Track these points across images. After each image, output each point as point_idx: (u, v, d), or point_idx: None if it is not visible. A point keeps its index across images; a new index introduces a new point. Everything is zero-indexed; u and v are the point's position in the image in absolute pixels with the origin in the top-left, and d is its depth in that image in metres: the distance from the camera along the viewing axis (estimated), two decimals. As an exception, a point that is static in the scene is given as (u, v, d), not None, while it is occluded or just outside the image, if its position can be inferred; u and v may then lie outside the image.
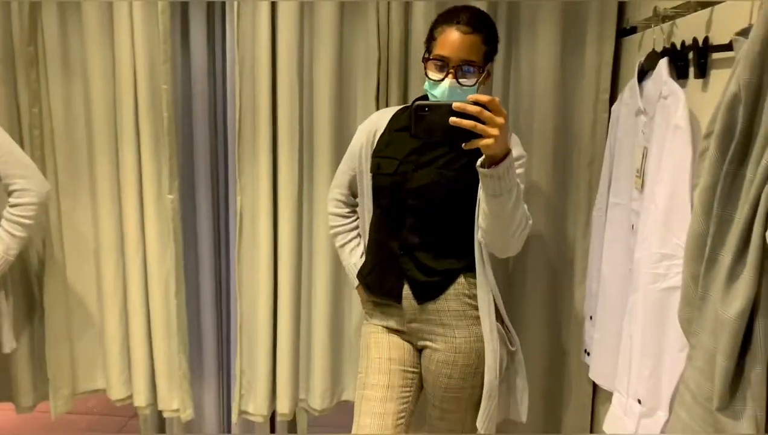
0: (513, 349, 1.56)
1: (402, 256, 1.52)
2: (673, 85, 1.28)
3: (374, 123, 1.63)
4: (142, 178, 2.02)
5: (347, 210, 1.72)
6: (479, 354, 1.49)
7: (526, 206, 1.40)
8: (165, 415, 2.18)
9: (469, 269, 1.49)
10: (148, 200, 2.02)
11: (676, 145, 1.22)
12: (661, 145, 1.31)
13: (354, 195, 1.71)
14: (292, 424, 2.25)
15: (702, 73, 1.23)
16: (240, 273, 2.06)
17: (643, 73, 1.49)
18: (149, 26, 1.91)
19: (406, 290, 1.52)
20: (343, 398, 2.19)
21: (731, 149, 0.90)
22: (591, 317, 1.78)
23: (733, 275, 0.88)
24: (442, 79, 1.40)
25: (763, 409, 0.86)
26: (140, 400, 2.15)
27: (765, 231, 0.85)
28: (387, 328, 1.60)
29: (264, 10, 1.89)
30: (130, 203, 2.03)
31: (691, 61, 1.29)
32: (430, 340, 1.53)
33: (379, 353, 1.58)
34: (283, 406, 2.11)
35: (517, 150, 1.42)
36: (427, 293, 1.51)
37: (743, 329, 0.86)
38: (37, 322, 2.13)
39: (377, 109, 1.92)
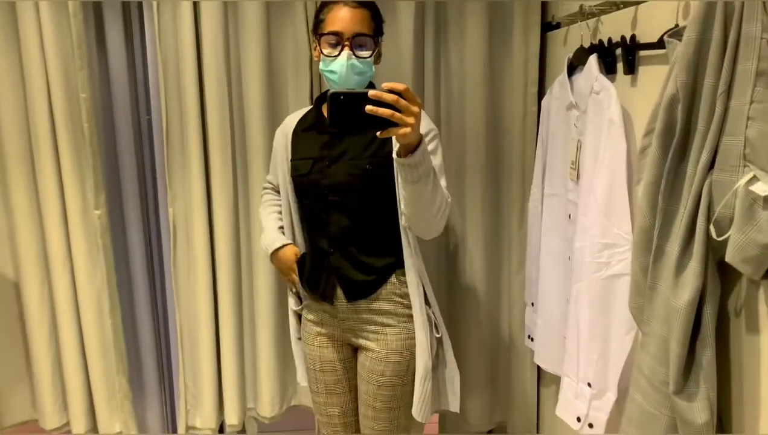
0: (438, 335, 1.57)
1: (332, 255, 1.53)
2: (605, 81, 1.34)
3: (287, 126, 1.64)
4: (64, 194, 1.90)
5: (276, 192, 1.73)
6: (411, 351, 1.51)
7: (444, 183, 1.43)
8: (105, 439, 2.08)
9: (400, 265, 1.51)
10: (72, 217, 1.90)
11: (611, 139, 1.28)
12: (595, 138, 1.37)
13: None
14: (242, 434, 2.21)
15: (631, 69, 1.29)
16: (177, 285, 1.99)
17: (572, 68, 1.55)
18: (60, 30, 1.79)
19: (339, 290, 1.53)
20: (293, 404, 2.16)
21: (672, 147, 0.95)
22: (532, 304, 1.84)
23: (680, 266, 0.94)
24: (338, 54, 1.42)
25: (714, 390, 0.92)
26: (78, 426, 2.04)
27: (707, 224, 0.91)
28: (320, 333, 1.61)
29: (186, 8, 1.81)
30: (53, 221, 1.91)
31: (618, 57, 1.34)
32: (364, 339, 1.55)
33: (313, 366, 1.64)
34: (232, 418, 2.07)
35: (425, 124, 1.44)
36: (359, 292, 1.52)
37: (693, 316, 0.92)
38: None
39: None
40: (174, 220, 1.95)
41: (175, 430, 2.19)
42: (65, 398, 2.05)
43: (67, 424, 2.07)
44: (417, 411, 1.50)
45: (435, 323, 1.55)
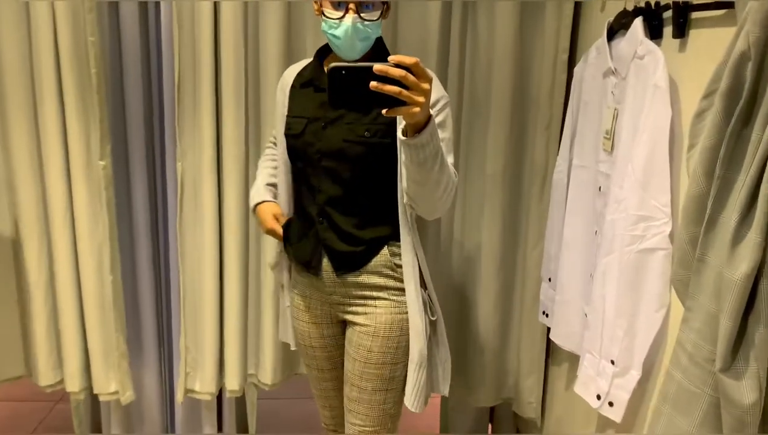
0: (434, 318, 1.46)
1: (320, 224, 1.42)
2: (651, 44, 1.26)
3: (285, 80, 1.52)
4: (68, 143, 1.82)
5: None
6: (401, 326, 1.42)
7: (450, 160, 1.33)
8: (101, 398, 2.03)
9: (394, 237, 1.41)
10: (75, 167, 1.82)
11: (656, 105, 1.21)
12: (636, 105, 1.30)
13: None
14: (240, 399, 2.16)
15: (681, 32, 1.22)
16: (182, 244, 1.92)
17: (612, 33, 1.47)
18: (70, -30, 1.70)
19: (325, 262, 1.43)
20: (297, 371, 2.12)
21: (737, 109, 0.88)
22: (550, 279, 1.79)
23: (738, 237, 0.87)
24: (343, 17, 1.30)
25: (765, 369, 0.87)
26: (73, 384, 1.99)
27: (771, 192, 0.84)
28: (308, 307, 1.54)
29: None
30: (55, 171, 1.83)
31: (666, 21, 1.27)
32: (352, 313, 1.46)
33: (303, 341, 1.58)
34: (233, 383, 2.02)
35: (436, 91, 1.30)
36: (347, 264, 1.42)
37: (749, 290, 0.86)
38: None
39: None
40: (182, 175, 1.87)
41: (172, 393, 2.14)
42: (60, 355, 1.99)
43: (61, 381, 2.02)
44: (410, 401, 1.42)
45: (430, 306, 1.45)
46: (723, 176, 0.91)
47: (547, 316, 1.81)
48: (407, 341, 1.42)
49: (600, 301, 1.36)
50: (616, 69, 1.40)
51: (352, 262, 1.42)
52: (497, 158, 1.88)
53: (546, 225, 1.84)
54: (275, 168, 1.58)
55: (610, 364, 1.32)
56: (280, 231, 1.50)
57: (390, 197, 1.39)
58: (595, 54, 1.53)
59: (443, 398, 2.18)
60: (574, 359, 1.71)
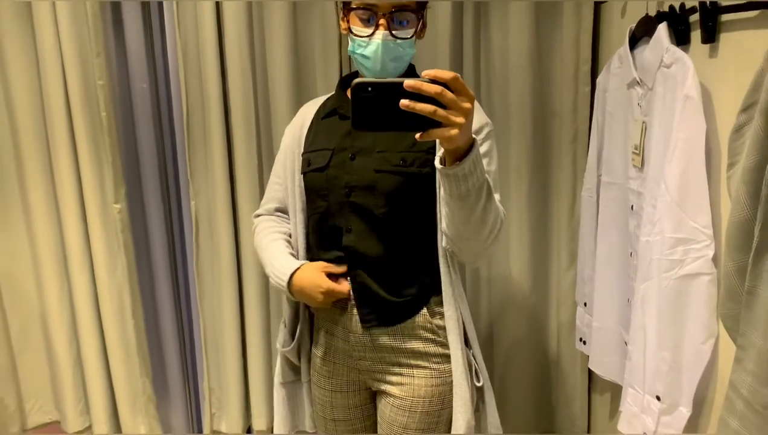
0: (479, 384, 1.27)
1: (348, 273, 1.23)
2: (678, 51, 1.16)
3: (301, 117, 1.35)
4: (82, 187, 1.80)
5: (275, 216, 1.40)
6: (443, 398, 1.24)
7: (498, 197, 1.14)
8: (130, 442, 1.99)
9: (435, 291, 1.24)
10: (91, 211, 1.81)
11: (687, 118, 1.11)
12: (665, 118, 1.20)
13: (285, 212, 1.38)
14: (270, 437, 2.11)
15: (710, 37, 1.12)
16: (200, 283, 1.88)
17: (634, 41, 1.38)
18: (76, 14, 1.69)
19: (354, 319, 1.25)
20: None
21: (781, 123, 0.79)
22: (585, 304, 1.68)
23: (792, 267, 0.77)
24: (372, 34, 1.16)
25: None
26: (101, 429, 1.96)
27: (828, 215, 0.74)
28: (331, 373, 1.32)
29: (206, -13, 1.69)
30: (71, 216, 1.81)
31: (693, 25, 1.17)
32: (385, 383, 1.27)
33: (323, 413, 1.37)
34: (260, 423, 1.96)
35: (478, 117, 1.16)
36: (380, 317, 1.23)
37: (809, 329, 0.75)
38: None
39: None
40: (197, 214, 1.84)
41: (200, 434, 2.09)
42: (87, 400, 1.96)
43: (90, 427, 1.99)
44: None
45: (476, 369, 1.27)
46: (770, 198, 0.81)
47: (584, 343, 1.70)
48: (449, 414, 1.24)
49: (640, 331, 1.25)
50: (641, 79, 1.30)
51: (385, 315, 1.23)
52: (521, 176, 1.79)
53: (578, 246, 1.73)
54: (283, 233, 1.35)
55: (656, 400, 1.21)
56: (343, 286, 1.24)
57: (430, 240, 1.21)
58: (618, 63, 1.43)
59: None
60: (616, 388, 1.60)
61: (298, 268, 1.24)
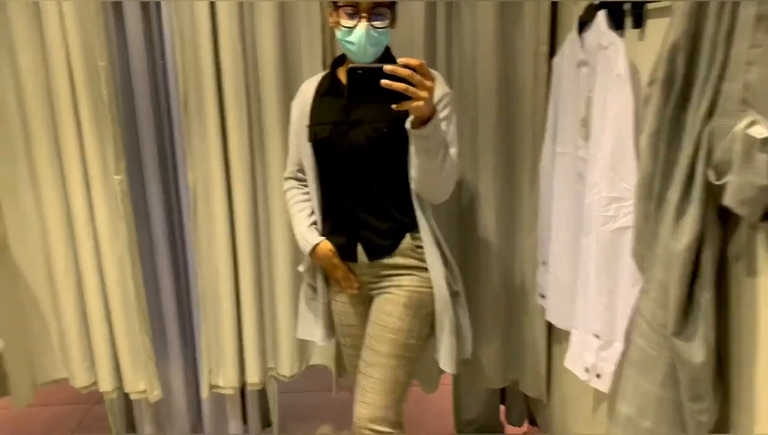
0: (456, 288, 1.64)
1: (352, 216, 1.59)
2: (612, 35, 1.34)
3: (303, 94, 1.67)
4: (86, 161, 1.95)
5: (301, 182, 1.74)
6: (422, 299, 1.57)
7: (453, 151, 1.50)
8: (132, 397, 2.17)
9: (413, 226, 1.58)
10: (94, 182, 1.96)
11: (619, 93, 1.29)
12: (603, 94, 1.38)
13: (304, 171, 1.71)
14: (262, 393, 2.29)
15: (638, 23, 1.30)
16: (197, 248, 2.05)
17: (582, 26, 1.55)
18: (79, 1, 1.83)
19: (360, 250, 1.59)
20: (311, 363, 2.23)
21: (673, 95, 0.97)
22: (544, 263, 1.87)
23: (680, 212, 0.96)
24: (356, 25, 1.46)
25: (712, 331, 0.95)
26: (105, 385, 2.13)
27: (706, 169, 0.93)
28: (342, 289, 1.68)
29: (200, -26, 1.83)
30: (76, 187, 1.97)
31: (627, 12, 1.35)
32: (380, 288, 1.62)
33: (339, 321, 1.73)
34: (253, 376, 2.14)
35: (440, 88, 1.49)
36: (378, 252, 1.59)
37: (692, 260, 0.94)
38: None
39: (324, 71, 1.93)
40: (194, 184, 2.00)
41: (197, 390, 2.27)
42: (92, 358, 2.13)
43: (95, 383, 2.16)
44: (447, 363, 1.59)
45: (453, 278, 1.63)
46: (666, 157, 0.99)
47: (543, 297, 1.90)
48: (426, 314, 1.59)
49: (584, 278, 1.44)
50: (586, 60, 1.48)
51: (382, 248, 1.58)
52: (487, 150, 1.97)
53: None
54: (306, 202, 1.70)
55: (595, 338, 1.41)
56: (342, 271, 1.63)
57: (405, 188, 1.55)
58: (569, 46, 1.61)
59: (455, 380, 2.27)
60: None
61: (318, 244, 1.63)
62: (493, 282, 2.07)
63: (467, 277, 2.08)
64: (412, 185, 1.53)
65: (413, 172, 1.48)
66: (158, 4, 1.98)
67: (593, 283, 1.40)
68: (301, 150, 1.66)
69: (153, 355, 2.12)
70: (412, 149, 1.42)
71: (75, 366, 2.13)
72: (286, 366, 2.16)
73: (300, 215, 1.70)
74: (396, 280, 1.59)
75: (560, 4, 1.88)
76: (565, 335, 1.92)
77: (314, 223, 1.68)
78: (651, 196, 1.03)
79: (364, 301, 1.67)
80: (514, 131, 1.99)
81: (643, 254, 1.08)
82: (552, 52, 1.88)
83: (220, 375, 2.16)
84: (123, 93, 2.01)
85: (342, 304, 1.71)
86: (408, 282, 1.58)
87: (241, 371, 2.16)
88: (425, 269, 1.58)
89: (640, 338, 1.06)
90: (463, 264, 2.08)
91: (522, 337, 2.12)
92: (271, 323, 2.15)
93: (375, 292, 1.64)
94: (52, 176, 1.99)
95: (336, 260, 1.62)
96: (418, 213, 1.57)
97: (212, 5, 1.87)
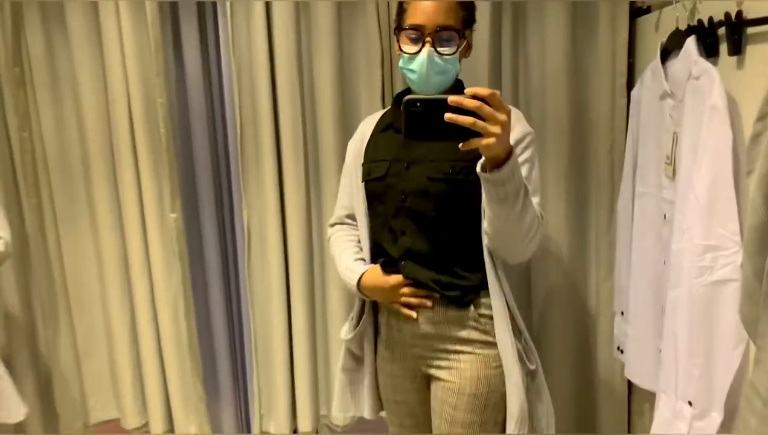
0: (532, 367, 1.38)
1: (403, 269, 1.36)
2: (705, 63, 1.20)
3: (361, 132, 1.51)
4: (142, 198, 1.93)
5: (350, 226, 1.56)
6: (489, 382, 1.33)
7: (536, 201, 1.27)
8: (183, 441, 2.10)
9: (481, 289, 1.35)
10: (150, 220, 1.94)
11: (714, 127, 1.14)
12: (694, 129, 1.23)
13: (354, 217, 1.53)
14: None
15: (737, 49, 1.15)
16: (251, 289, 1.99)
17: (666, 54, 1.41)
18: (139, 37, 1.83)
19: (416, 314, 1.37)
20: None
21: (794, 131, 0.82)
22: (622, 313, 1.70)
23: (806, 270, 0.80)
24: (419, 51, 1.29)
25: None
26: (157, 427, 2.08)
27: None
28: (391, 358, 1.47)
29: (258, 11, 1.80)
30: (132, 224, 1.95)
31: (721, 38, 1.20)
32: (435, 368, 1.39)
33: (385, 395, 1.52)
34: (305, 424, 2.04)
35: (521, 127, 1.30)
36: (437, 319, 1.37)
37: (823, 329, 0.78)
38: (41, 353, 2.05)
39: (383, 107, 1.84)
40: (248, 223, 1.95)
41: (249, 434, 2.19)
42: (144, 399, 2.09)
43: (146, 424, 2.11)
44: None
45: (527, 354, 1.37)
46: (784, 203, 0.84)
47: (622, 352, 1.72)
48: (497, 398, 1.34)
49: (671, 338, 1.27)
50: (671, 91, 1.34)
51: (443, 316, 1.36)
52: (559, 186, 1.82)
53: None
54: (355, 241, 1.51)
55: (688, 406, 1.23)
56: (398, 277, 1.38)
57: (474, 240, 1.33)
58: (651, 76, 1.47)
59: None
60: (655, 397, 1.61)
61: (365, 272, 1.41)
62: (565, 332, 1.90)
63: (534, 327, 1.93)
64: (485, 241, 1.30)
65: (486, 224, 1.25)
66: (217, 42, 1.97)
67: (684, 343, 1.22)
68: (353, 194, 1.49)
69: (204, 398, 2.06)
70: (485, 197, 1.18)
71: (127, 407, 2.10)
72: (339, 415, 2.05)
73: (346, 253, 1.49)
74: (455, 360, 1.36)
75: (639, 32, 1.74)
76: (647, 394, 1.74)
77: (363, 259, 1.46)
78: (764, 250, 0.87)
79: (416, 376, 1.45)
80: (589, 168, 1.84)
81: (753, 317, 0.91)
82: (630, 83, 1.74)
83: (272, 420, 2.08)
84: (180, 130, 1.99)
85: (392, 377, 1.48)
86: (469, 365, 1.34)
87: (293, 417, 2.07)
88: (492, 345, 1.34)
89: (752, 417, 0.89)
90: (529, 314, 1.93)
91: (598, 394, 1.93)
92: (324, 368, 2.05)
93: (431, 370, 1.40)
94: (110, 214, 1.98)
95: (392, 279, 1.37)
96: (490, 274, 1.32)
97: (270, 43, 1.83)
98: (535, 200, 1.26)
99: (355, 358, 1.55)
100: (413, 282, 1.37)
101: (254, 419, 2.07)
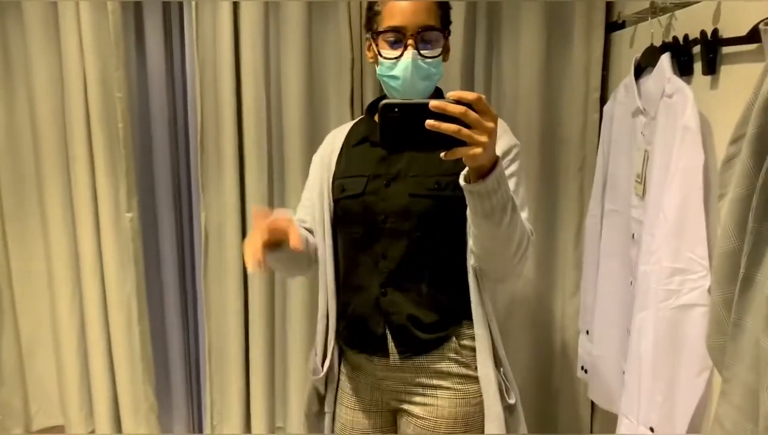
0: (512, 402, 1.24)
1: (384, 297, 1.22)
2: (679, 82, 1.17)
3: (329, 144, 1.37)
4: (97, 196, 1.84)
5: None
6: (467, 421, 1.21)
7: (525, 216, 1.16)
8: (131, 449, 2.01)
9: (464, 316, 1.23)
10: (104, 220, 1.84)
11: (686, 148, 1.11)
12: (665, 148, 1.20)
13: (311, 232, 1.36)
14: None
15: (711, 69, 1.13)
16: (207, 294, 1.91)
17: (640, 70, 1.38)
18: (99, 28, 1.74)
19: (390, 342, 1.23)
20: (324, 424, 2.05)
21: (768, 156, 0.79)
22: (587, 332, 1.66)
23: (775, 301, 0.77)
24: (401, 55, 1.17)
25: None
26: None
27: (813, 250, 0.74)
28: (354, 390, 1.31)
29: (225, 8, 1.74)
30: (85, 224, 1.85)
31: (696, 56, 1.18)
32: (408, 403, 1.26)
33: (343, 431, 1.34)
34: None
35: (507, 139, 1.20)
36: (415, 347, 1.22)
37: (792, 364, 0.75)
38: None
39: (352, 114, 1.79)
40: (206, 225, 1.87)
41: (201, 445, 2.11)
42: (92, 405, 1.99)
43: (93, 432, 2.01)
44: None
45: (507, 388, 1.25)
46: (756, 230, 0.81)
47: (586, 371, 1.69)
48: (480, 431, 1.23)
49: (636, 360, 1.24)
50: (644, 108, 1.31)
51: (420, 345, 1.22)
52: (528, 202, 1.79)
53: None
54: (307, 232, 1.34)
55: (650, 432, 1.20)
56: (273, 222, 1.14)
57: (463, 263, 1.21)
58: (624, 92, 1.44)
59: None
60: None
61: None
62: (530, 350, 1.87)
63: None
64: (471, 261, 1.19)
65: (472, 242, 1.13)
66: (182, 36, 1.89)
67: (649, 367, 1.19)
68: (315, 211, 1.32)
69: (156, 407, 1.98)
70: (470, 212, 1.04)
71: (72, 413, 1.99)
72: (295, 424, 1.98)
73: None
74: (431, 396, 1.22)
75: (614, 47, 1.72)
76: (610, 415, 1.71)
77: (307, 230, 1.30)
78: (734, 278, 0.84)
79: (380, 413, 1.30)
80: (558, 183, 1.81)
81: (721, 347, 0.88)
82: (604, 98, 1.71)
83: (225, 430, 1.99)
84: (139, 126, 1.91)
85: (350, 410, 1.31)
86: (447, 402, 1.21)
87: (247, 428, 1.99)
88: (473, 379, 1.21)
89: (716, 453, 0.86)
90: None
91: (561, 414, 1.90)
92: (281, 378, 1.98)
93: (404, 405, 1.26)
94: (62, 212, 1.88)
95: (264, 222, 1.12)
96: (474, 299, 1.20)
97: (236, 40, 1.76)
98: (523, 215, 1.15)
99: (319, 399, 1.38)
100: (389, 313, 1.23)
101: (207, 429, 1.99)
